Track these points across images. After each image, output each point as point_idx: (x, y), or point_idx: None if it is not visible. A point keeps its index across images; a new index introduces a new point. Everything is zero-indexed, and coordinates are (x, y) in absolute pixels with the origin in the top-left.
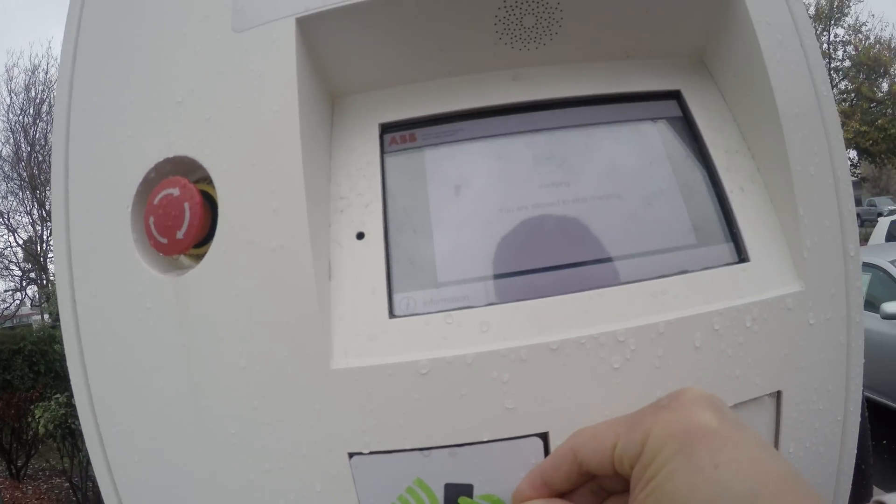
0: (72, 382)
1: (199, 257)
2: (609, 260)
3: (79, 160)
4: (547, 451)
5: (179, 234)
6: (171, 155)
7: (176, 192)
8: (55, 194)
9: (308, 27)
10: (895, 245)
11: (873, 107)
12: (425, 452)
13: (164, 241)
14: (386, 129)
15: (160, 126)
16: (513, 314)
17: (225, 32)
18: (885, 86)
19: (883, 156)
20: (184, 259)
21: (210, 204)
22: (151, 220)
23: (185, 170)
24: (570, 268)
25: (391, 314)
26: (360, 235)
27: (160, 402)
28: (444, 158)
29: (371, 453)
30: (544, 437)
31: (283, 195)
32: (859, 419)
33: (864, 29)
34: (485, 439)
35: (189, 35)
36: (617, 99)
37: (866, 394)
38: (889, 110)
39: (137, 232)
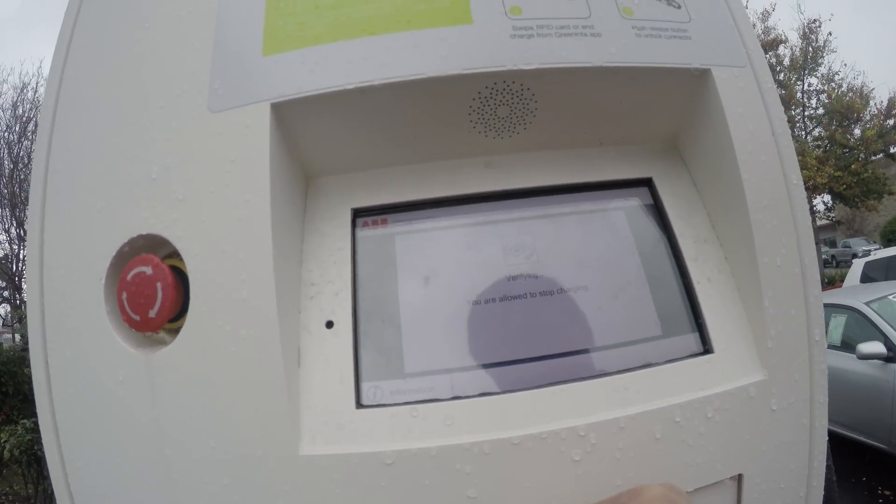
0: (43, 441)
1: (173, 331)
2: (575, 353)
3: (55, 222)
4: None
5: (152, 314)
6: (144, 232)
7: (148, 270)
8: (30, 254)
9: (283, 112)
10: (870, 286)
11: (846, 152)
12: None
13: (137, 318)
14: (358, 213)
15: (135, 200)
16: (477, 408)
17: (200, 111)
18: (857, 132)
19: (856, 199)
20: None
21: (183, 278)
22: (125, 295)
23: (158, 245)
24: (535, 361)
25: (358, 404)
26: (330, 324)
27: (131, 470)
28: (415, 245)
29: None
30: None
31: (253, 285)
32: (823, 491)
33: (836, 78)
34: None
35: (166, 109)
36: (589, 187)
37: (844, 432)
38: (861, 155)
39: (110, 304)
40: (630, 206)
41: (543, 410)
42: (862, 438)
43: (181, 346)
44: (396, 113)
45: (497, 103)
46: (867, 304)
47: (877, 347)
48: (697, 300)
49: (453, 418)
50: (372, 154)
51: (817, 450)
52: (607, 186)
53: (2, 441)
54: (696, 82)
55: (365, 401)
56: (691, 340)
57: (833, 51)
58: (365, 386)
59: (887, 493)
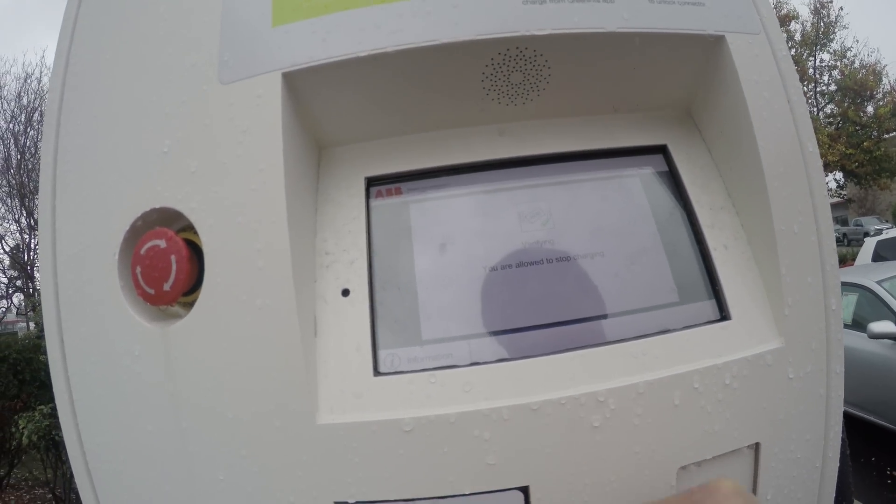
0: (60, 421)
1: (188, 305)
2: (592, 319)
3: (66, 202)
4: None
5: (167, 287)
6: (157, 206)
7: (163, 243)
8: (42, 234)
9: (294, 81)
10: (881, 265)
11: (858, 130)
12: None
13: (152, 291)
14: (372, 182)
15: (147, 175)
16: (495, 374)
17: (211, 83)
18: (870, 109)
19: (868, 177)
20: (174, 306)
21: (197, 252)
22: (139, 269)
23: (172, 218)
24: (552, 327)
25: (376, 372)
26: (346, 292)
27: (148, 446)
28: (430, 214)
29: (357, 503)
30: (525, 490)
31: (269, 255)
32: (838, 463)
33: (849, 54)
34: (466, 492)
35: (176, 83)
36: (603, 154)
37: (854, 411)
38: (874, 133)
39: (125, 279)
40: (645, 173)
41: (562, 376)
42: (871, 418)
43: (197, 319)
44: (409, 80)
45: (510, 70)
46: (879, 283)
47: (888, 327)
48: (714, 267)
49: (472, 385)
50: (385, 122)
51: (833, 420)
52: (622, 153)
53: (20, 428)
54: (710, 49)
55: (382, 368)
56: (708, 307)
57: (845, 27)
58: (382, 354)
59: None
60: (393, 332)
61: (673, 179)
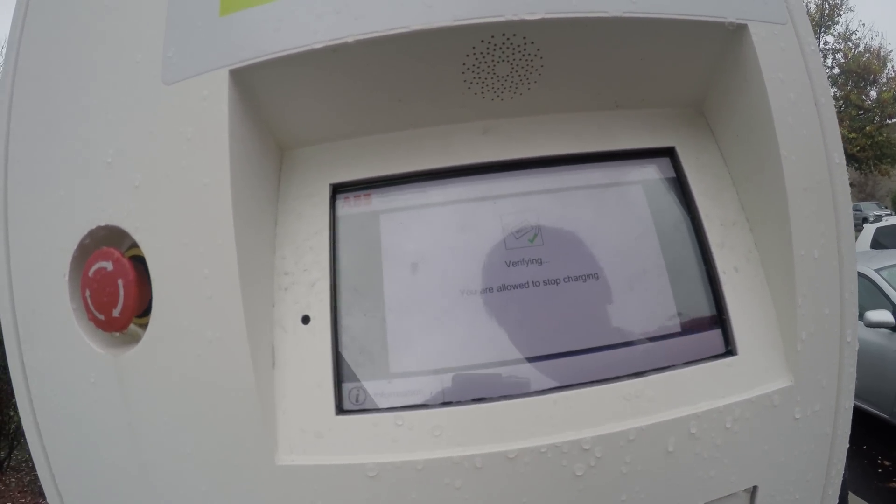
0: (28, 443)
1: (145, 326)
2: (581, 352)
3: (17, 214)
4: None
5: (115, 313)
6: (102, 223)
7: (109, 266)
8: None
9: (245, 78)
10: (880, 253)
11: (861, 114)
12: None
13: (102, 317)
14: (338, 189)
15: (91, 189)
16: (469, 417)
17: (154, 83)
18: (873, 93)
19: (869, 162)
20: (130, 327)
21: (147, 271)
22: (88, 293)
23: (120, 236)
24: (536, 361)
25: (338, 409)
26: (306, 319)
27: (113, 474)
28: (402, 227)
29: None
30: None
31: (217, 282)
32: (837, 500)
33: (853, 37)
34: None
35: (120, 84)
36: (602, 157)
37: None
38: (876, 118)
39: (76, 302)
40: (649, 180)
41: (544, 420)
42: (865, 407)
43: (148, 348)
44: (377, 73)
45: (496, 60)
46: (877, 271)
47: (885, 316)
48: (722, 293)
49: (442, 428)
50: (352, 121)
51: (836, 458)
52: (623, 156)
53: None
54: (729, 39)
55: (346, 405)
56: (713, 339)
57: (850, 9)
58: (346, 387)
59: (887, 463)
60: (358, 363)
61: (680, 188)
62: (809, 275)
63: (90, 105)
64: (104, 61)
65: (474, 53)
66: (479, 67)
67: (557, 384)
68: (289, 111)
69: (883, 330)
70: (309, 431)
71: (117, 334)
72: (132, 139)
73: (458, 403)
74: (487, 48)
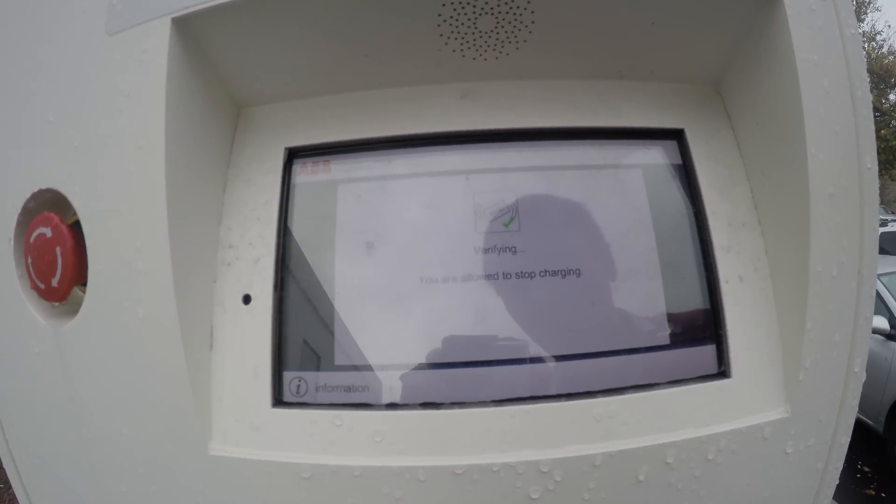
0: None
1: None
2: (551, 360)
3: None
4: None
5: (54, 282)
6: (43, 186)
7: (48, 232)
8: None
9: (191, 28)
10: (882, 259)
11: (878, 116)
12: None
13: (42, 286)
14: (294, 154)
15: (35, 149)
16: (416, 423)
17: (98, 35)
18: (892, 97)
19: (880, 165)
20: (73, 296)
21: None
22: (29, 260)
23: (63, 201)
24: (498, 365)
25: (276, 401)
26: (247, 299)
27: (60, 447)
28: (361, 199)
29: None
30: None
31: (149, 256)
32: None
33: (878, 38)
34: None
35: (65, 36)
36: (599, 134)
37: None
38: (893, 122)
39: (20, 269)
40: (650, 165)
41: (500, 435)
42: (860, 417)
43: (85, 321)
44: (339, 23)
45: (478, 12)
46: (878, 277)
47: (880, 322)
48: (721, 305)
49: (384, 434)
50: (313, 78)
51: (824, 493)
52: (623, 135)
53: None
54: (759, 9)
55: (286, 395)
56: (705, 357)
57: (878, 9)
58: (287, 376)
59: (866, 469)
60: (300, 351)
61: (686, 177)
62: (824, 295)
63: (36, 59)
64: (52, 11)
65: (451, 3)
66: (457, 20)
67: (519, 395)
68: (242, 66)
69: (877, 336)
70: (244, 422)
71: (57, 304)
72: (74, 96)
73: (405, 407)
74: None
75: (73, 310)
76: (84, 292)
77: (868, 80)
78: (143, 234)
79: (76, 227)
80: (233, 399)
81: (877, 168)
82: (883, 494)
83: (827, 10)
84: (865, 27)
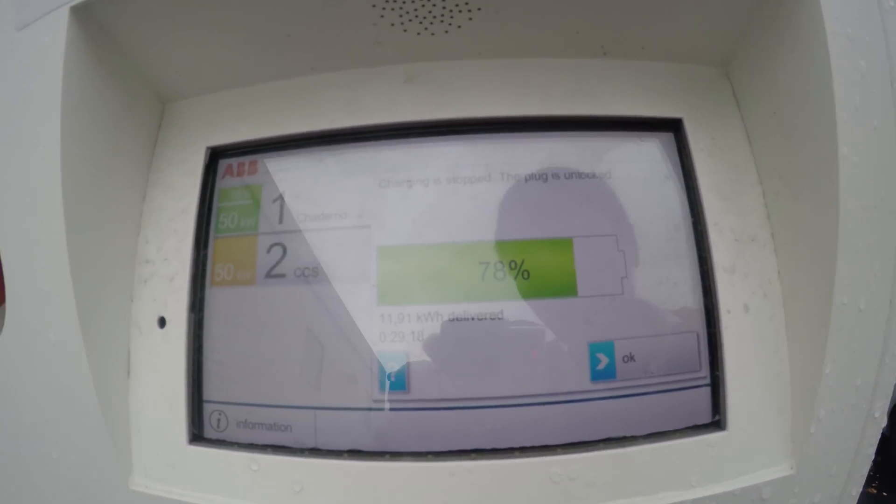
0: None
1: None
2: (499, 406)
3: None
4: None
5: None
6: None
7: None
8: None
9: (93, 16)
10: None
11: None
12: None
13: None
14: (217, 153)
15: None
16: (337, 475)
17: (8, 31)
18: None
19: None
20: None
21: None
22: None
23: None
24: (441, 410)
25: (192, 436)
26: (162, 322)
27: (3, 468)
28: (290, 210)
29: None
30: None
31: (52, 276)
32: None
33: None
34: None
35: None
36: (576, 125)
37: None
38: None
39: None
40: (639, 165)
41: (436, 495)
42: None
43: (7, 342)
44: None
45: None
46: None
47: None
48: (721, 339)
49: (303, 483)
50: (235, 65)
51: None
52: (605, 125)
53: None
54: None
55: (206, 430)
56: (696, 403)
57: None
58: (207, 408)
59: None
60: (219, 380)
61: (684, 179)
62: (848, 333)
63: None
64: None
65: None
66: None
67: (462, 447)
68: (158, 55)
69: None
70: (162, 458)
71: None
72: None
73: (328, 455)
74: None
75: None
76: None
77: None
78: (45, 252)
79: None
80: (152, 432)
81: None
82: (885, 493)
83: None
84: None
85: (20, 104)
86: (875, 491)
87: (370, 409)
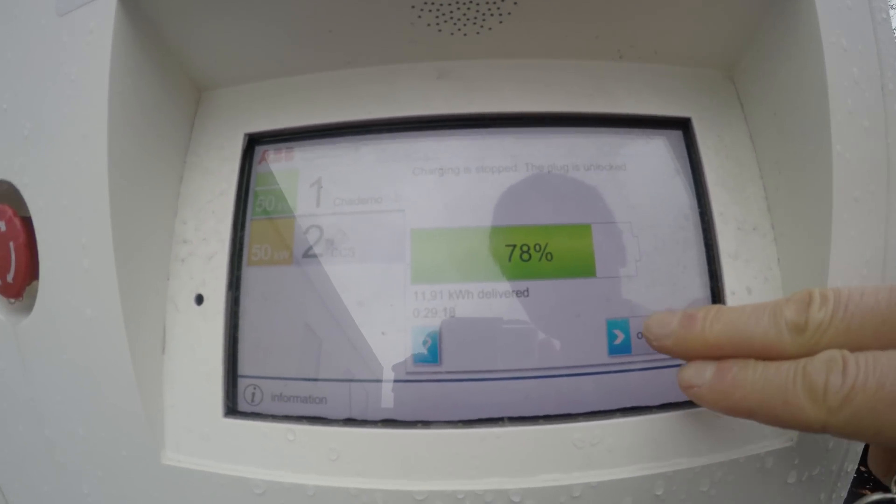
0: None
1: None
2: (528, 378)
3: None
4: None
5: (9, 278)
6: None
7: (2, 226)
8: None
9: (140, 5)
10: None
11: None
12: None
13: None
14: (255, 140)
15: None
16: (374, 442)
17: (49, 15)
18: None
19: None
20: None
21: None
22: None
23: (17, 193)
24: (465, 381)
25: (228, 410)
26: (200, 299)
27: (22, 446)
28: (326, 194)
29: None
30: None
31: (94, 252)
32: None
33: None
34: None
35: (18, 17)
36: (594, 121)
37: None
38: None
39: None
40: (651, 159)
41: (466, 460)
42: None
43: (38, 320)
44: None
45: None
46: None
47: None
48: None
49: (339, 452)
50: (275, 57)
51: None
52: (621, 123)
53: None
54: None
55: (240, 404)
56: None
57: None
58: (241, 383)
59: (862, 468)
60: (256, 356)
61: (692, 173)
62: None
63: None
64: None
65: None
66: None
67: (490, 416)
68: (199, 45)
69: None
70: (195, 432)
71: (13, 301)
72: (25, 82)
73: (364, 424)
74: None
75: (31, 305)
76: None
77: None
78: (87, 229)
79: (30, 221)
80: (186, 406)
81: None
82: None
83: None
84: None
85: (64, 87)
86: (868, 492)
87: (404, 381)
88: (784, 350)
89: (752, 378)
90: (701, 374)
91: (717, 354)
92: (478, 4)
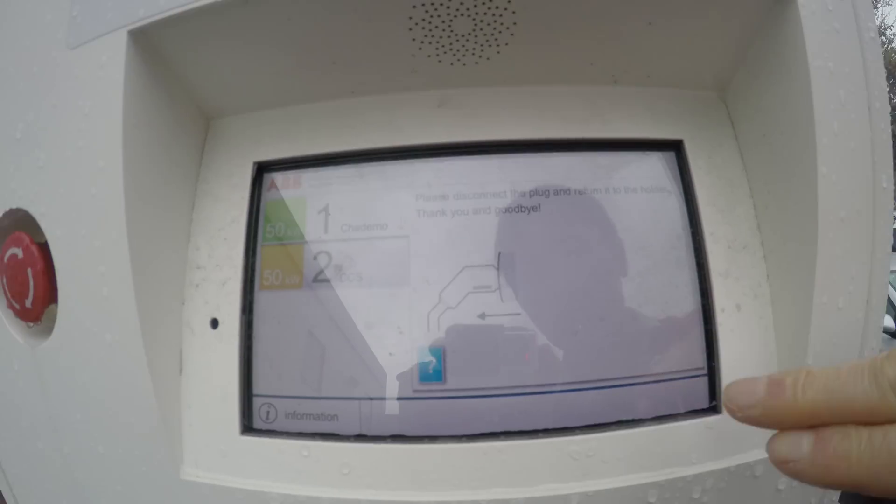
0: None
1: None
2: (523, 393)
3: None
4: None
5: (28, 303)
6: (13, 206)
7: (20, 253)
8: None
9: (149, 39)
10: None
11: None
12: None
13: (17, 307)
14: (264, 168)
15: (4, 167)
16: (384, 457)
17: (60, 48)
18: None
19: None
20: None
21: None
22: (4, 280)
23: (33, 220)
24: (471, 398)
25: (244, 427)
26: (215, 323)
27: (39, 463)
28: (332, 220)
29: None
30: None
31: (112, 280)
32: None
33: (888, 32)
34: None
35: (28, 48)
36: (589, 146)
37: None
38: None
39: None
40: (644, 180)
41: (470, 472)
42: None
43: (57, 342)
44: (302, 28)
45: (453, 13)
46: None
47: (886, 321)
48: (716, 334)
49: (352, 467)
50: (281, 86)
51: None
52: (615, 146)
53: None
54: (769, 8)
55: (255, 422)
56: (695, 390)
57: (888, 3)
58: (256, 402)
59: None
60: (270, 376)
61: (684, 194)
62: (827, 329)
63: (2, 72)
64: (14, 21)
65: (423, 4)
66: (430, 23)
67: (492, 430)
68: (207, 76)
69: (883, 335)
70: (213, 448)
71: (31, 325)
72: (39, 113)
73: (374, 440)
74: None
75: (50, 327)
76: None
77: (887, 89)
78: (105, 258)
79: (47, 248)
80: (203, 424)
81: (892, 188)
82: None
83: (845, 11)
84: (876, 21)
85: (78, 120)
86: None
87: (411, 398)
88: (890, 413)
89: (857, 449)
90: (798, 448)
91: (813, 423)
92: (476, 36)
